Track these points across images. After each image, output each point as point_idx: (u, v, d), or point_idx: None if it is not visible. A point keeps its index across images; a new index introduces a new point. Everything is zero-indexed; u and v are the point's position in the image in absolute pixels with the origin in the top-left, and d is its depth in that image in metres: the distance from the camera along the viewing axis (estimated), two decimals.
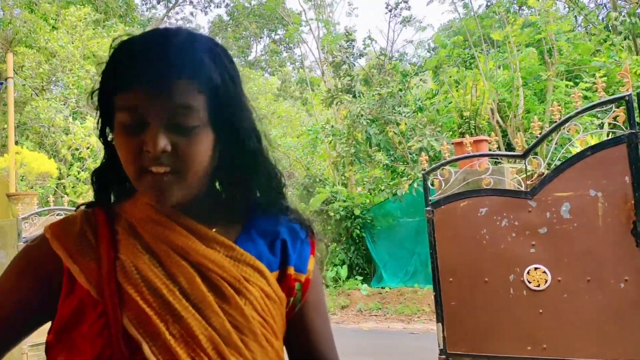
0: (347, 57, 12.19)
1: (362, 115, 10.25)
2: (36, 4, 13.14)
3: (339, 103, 11.95)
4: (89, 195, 6.86)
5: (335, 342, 1.01)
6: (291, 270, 0.92)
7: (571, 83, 9.08)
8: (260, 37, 25.32)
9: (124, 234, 0.87)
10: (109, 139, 0.92)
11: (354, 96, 11.38)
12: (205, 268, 0.84)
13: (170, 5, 22.80)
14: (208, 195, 0.92)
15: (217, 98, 0.85)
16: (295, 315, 0.95)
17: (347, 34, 12.88)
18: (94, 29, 13.28)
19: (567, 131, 3.80)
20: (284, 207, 0.98)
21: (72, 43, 12.55)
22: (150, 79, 0.80)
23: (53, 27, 12.68)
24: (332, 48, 13.47)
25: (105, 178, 0.95)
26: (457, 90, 9.30)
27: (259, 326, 0.85)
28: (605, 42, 9.65)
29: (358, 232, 11.59)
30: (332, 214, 11.42)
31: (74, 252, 0.85)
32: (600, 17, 10.49)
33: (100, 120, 0.91)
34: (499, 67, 10.02)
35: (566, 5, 10.13)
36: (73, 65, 12.52)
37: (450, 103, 10.07)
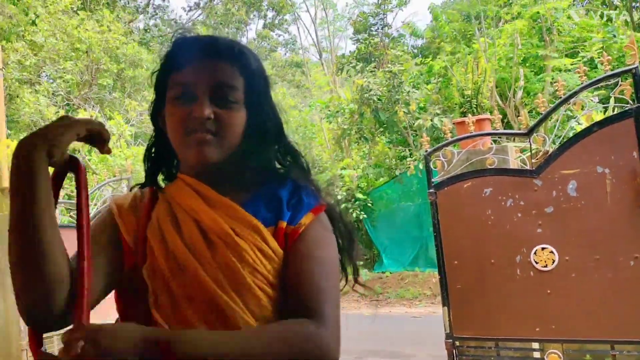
0: (378, 14, 12.20)
1: (371, 90, 10.17)
2: None
3: (350, 72, 11.88)
4: None
5: (329, 296, 0.98)
6: (283, 224, 1.03)
7: (571, 60, 8.94)
8: (248, 24, 24.98)
9: (161, 203, 1.07)
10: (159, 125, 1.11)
11: (369, 63, 11.32)
12: (204, 225, 1.00)
13: None
14: (232, 166, 1.07)
15: (252, 85, 1.06)
16: (283, 262, 1.01)
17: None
18: (81, 18, 13.00)
19: (573, 107, 3.71)
20: (295, 177, 1.10)
21: (56, 34, 12.29)
22: (202, 60, 1.03)
23: (33, 22, 12.41)
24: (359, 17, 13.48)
25: (154, 159, 1.14)
26: (455, 65, 9.15)
27: (249, 276, 0.95)
28: (602, 17, 9.51)
29: (358, 213, 11.46)
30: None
31: (124, 213, 1.07)
32: None
33: (153, 105, 1.11)
34: (499, 44, 9.89)
35: None
36: (59, 57, 12.30)
37: (449, 83, 9.94)
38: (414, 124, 10.02)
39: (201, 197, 1.04)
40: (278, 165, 1.13)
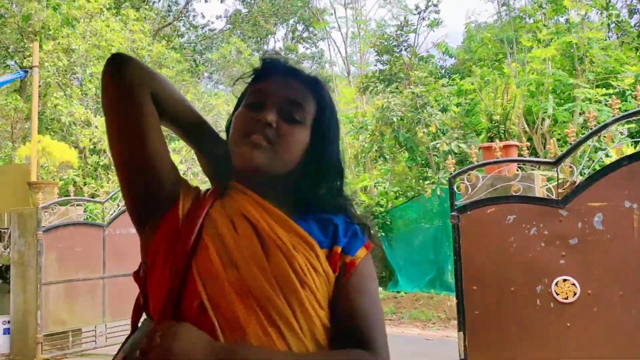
0: (401, 35, 12.34)
1: (392, 110, 10.17)
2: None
3: (373, 91, 11.93)
4: (108, 185, 6.86)
5: (381, 329, 1.04)
6: (338, 249, 1.04)
7: (602, 91, 8.85)
8: (274, 33, 25.13)
9: (217, 206, 1.07)
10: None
11: (391, 84, 11.37)
12: (261, 229, 1.01)
13: None
14: (285, 186, 1.10)
15: (322, 114, 1.12)
16: (336, 291, 1.03)
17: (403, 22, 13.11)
18: (107, 18, 13.21)
19: (603, 138, 3.67)
20: (346, 210, 1.13)
21: (88, 35, 12.53)
22: (282, 78, 1.10)
23: (69, 21, 12.67)
24: (380, 36, 13.63)
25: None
26: (484, 88, 9.11)
27: (299, 287, 0.97)
28: (638, 50, 9.41)
29: (375, 231, 11.40)
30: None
31: (186, 199, 1.08)
32: (633, 24, 10.26)
33: (232, 113, 1.15)
34: (529, 70, 9.83)
35: (599, 12, 9.89)
36: (88, 60, 12.55)
37: (476, 105, 9.88)
38: (435, 146, 9.99)
39: (258, 204, 1.06)
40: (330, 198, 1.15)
